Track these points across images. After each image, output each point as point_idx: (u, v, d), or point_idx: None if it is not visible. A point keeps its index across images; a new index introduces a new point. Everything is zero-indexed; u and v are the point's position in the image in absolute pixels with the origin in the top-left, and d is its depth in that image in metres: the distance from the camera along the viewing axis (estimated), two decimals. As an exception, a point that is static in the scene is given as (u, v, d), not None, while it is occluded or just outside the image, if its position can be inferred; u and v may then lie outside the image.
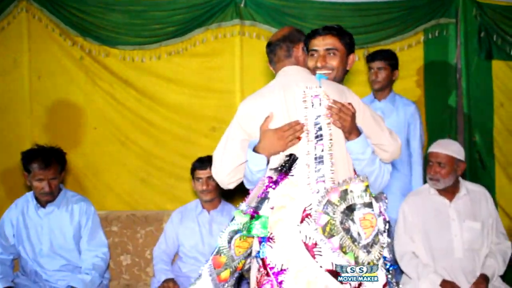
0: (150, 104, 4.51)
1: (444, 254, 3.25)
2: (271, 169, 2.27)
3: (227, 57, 4.50)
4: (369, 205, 2.14)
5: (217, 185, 3.46)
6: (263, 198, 2.23)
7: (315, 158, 2.22)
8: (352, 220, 2.12)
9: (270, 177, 2.25)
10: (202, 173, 3.56)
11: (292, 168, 2.23)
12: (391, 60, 3.79)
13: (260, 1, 4.45)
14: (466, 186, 3.36)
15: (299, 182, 2.20)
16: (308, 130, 2.26)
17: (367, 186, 2.16)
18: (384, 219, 2.20)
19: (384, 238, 2.20)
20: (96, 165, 4.54)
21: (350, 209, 2.13)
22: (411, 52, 4.44)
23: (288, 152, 2.27)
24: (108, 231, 3.79)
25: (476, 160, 4.41)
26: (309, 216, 2.15)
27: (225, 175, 2.37)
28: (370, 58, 3.81)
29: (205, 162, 3.57)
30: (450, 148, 3.31)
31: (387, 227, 2.22)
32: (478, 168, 4.42)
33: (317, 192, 2.17)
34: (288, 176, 2.22)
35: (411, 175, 3.71)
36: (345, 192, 2.14)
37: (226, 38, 4.48)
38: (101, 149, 4.53)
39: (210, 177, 3.51)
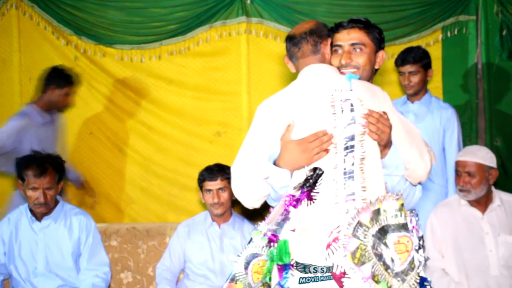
0: (150, 108, 4.28)
1: (478, 271, 2.98)
2: (294, 186, 1.99)
3: (232, 57, 4.27)
4: (404, 226, 1.86)
5: (230, 197, 3.25)
6: (283, 219, 1.95)
7: (344, 173, 1.93)
8: (385, 244, 1.84)
9: (292, 195, 1.97)
10: (212, 185, 3.26)
11: (316, 184, 1.94)
12: (423, 60, 3.51)
13: (267, -3, 4.22)
14: (500, 196, 3.11)
15: (325, 201, 1.92)
16: (336, 140, 1.96)
17: (402, 205, 1.88)
18: (418, 234, 1.94)
19: (421, 256, 1.93)
20: (91, 173, 4.26)
21: (383, 231, 1.85)
22: (429, 52, 4.17)
23: (312, 165, 1.98)
24: (107, 246, 3.47)
25: (498, 166, 4.16)
26: (336, 240, 1.87)
27: (249, 193, 2.07)
28: (400, 62, 3.52)
29: (214, 171, 3.27)
30: (479, 155, 3.06)
31: (421, 242, 1.95)
32: (500, 175, 4.17)
33: (346, 213, 1.88)
34: (312, 194, 1.94)
35: (447, 187, 3.45)
36: (377, 212, 1.86)
37: (232, 36, 4.26)
38: (97, 156, 4.28)
39: (221, 189, 3.23)
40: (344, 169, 1.93)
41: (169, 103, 4.26)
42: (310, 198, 1.93)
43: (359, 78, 2.10)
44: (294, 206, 1.94)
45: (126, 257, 3.55)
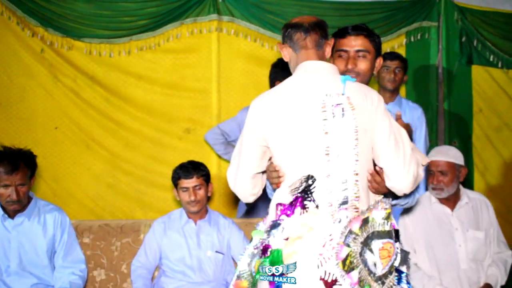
0: (118, 103, 4.18)
1: (449, 265, 3.14)
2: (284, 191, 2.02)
3: (203, 54, 4.25)
4: (389, 233, 1.93)
5: (206, 194, 3.26)
6: (274, 225, 1.97)
7: (337, 182, 1.94)
8: (370, 249, 1.90)
9: (281, 203, 1.99)
10: (188, 183, 3.23)
11: (309, 193, 1.95)
12: (405, 63, 3.70)
13: (238, -4, 4.24)
14: (467, 194, 3.28)
15: (319, 210, 1.93)
16: (328, 146, 1.95)
17: (389, 214, 1.95)
18: (394, 227, 2.00)
19: (396, 248, 2.00)
20: (57, 169, 4.13)
21: (370, 238, 1.91)
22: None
23: (305, 172, 1.98)
24: (79, 243, 3.39)
25: (456, 166, 4.39)
26: (329, 249, 1.89)
27: (241, 189, 2.15)
28: (391, 57, 3.63)
29: (190, 169, 3.25)
30: (451, 154, 3.21)
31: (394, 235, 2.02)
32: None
33: (339, 222, 1.91)
34: (305, 202, 1.94)
35: None
36: (366, 220, 1.92)
37: (202, 34, 4.24)
38: (62, 152, 4.14)
39: (197, 186, 3.23)
40: (337, 178, 1.94)
41: (138, 99, 4.19)
42: (303, 207, 1.94)
43: (356, 81, 2.10)
44: (288, 215, 1.95)
45: (99, 255, 3.49)
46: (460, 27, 4.40)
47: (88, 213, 4.12)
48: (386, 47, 4.33)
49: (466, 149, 4.44)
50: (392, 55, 3.69)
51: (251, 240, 2.13)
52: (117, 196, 4.19)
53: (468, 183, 4.41)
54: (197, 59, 4.25)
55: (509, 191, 4.64)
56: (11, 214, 3.04)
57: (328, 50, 2.16)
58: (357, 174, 1.95)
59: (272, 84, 3.82)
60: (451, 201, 3.23)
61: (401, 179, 2.01)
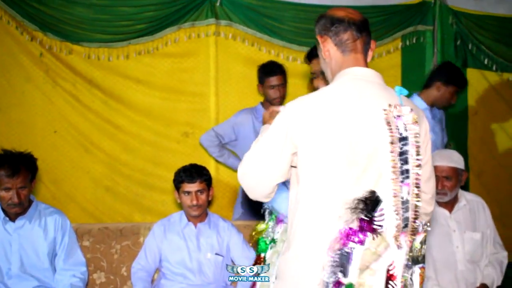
0: (117, 107, 4.20)
1: (446, 266, 3.18)
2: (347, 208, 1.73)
3: (201, 58, 4.28)
4: (424, 257, 1.87)
5: (207, 198, 3.28)
6: (343, 256, 1.68)
7: (402, 203, 1.75)
8: (411, 275, 1.82)
9: (351, 228, 1.70)
10: (190, 187, 3.24)
11: (377, 215, 1.71)
12: None
13: (236, 0, 4.25)
14: (465, 196, 3.32)
15: (387, 234, 1.73)
16: (395, 163, 1.75)
17: (426, 237, 1.87)
18: None
19: None
20: (56, 172, 4.15)
21: (411, 263, 1.82)
22: (389, 59, 4.43)
23: (366, 190, 1.72)
24: (79, 246, 3.41)
25: (452, 168, 4.42)
26: (393, 279, 1.74)
27: (262, 195, 1.90)
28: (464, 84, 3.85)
29: (193, 173, 3.25)
30: (454, 159, 3.24)
31: None
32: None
33: (401, 248, 1.77)
34: (375, 227, 1.70)
35: None
36: (412, 245, 1.84)
37: (200, 38, 4.26)
38: (61, 155, 4.16)
39: (199, 191, 3.24)
40: (402, 198, 1.76)
41: (136, 102, 4.21)
42: (373, 232, 1.70)
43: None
44: (359, 243, 1.68)
45: (99, 258, 3.50)
46: (455, 30, 4.45)
47: (87, 216, 4.14)
48: (382, 51, 4.39)
49: (462, 152, 4.45)
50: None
51: (254, 243, 2.13)
52: (115, 199, 4.21)
53: (464, 185, 4.45)
54: (195, 63, 4.27)
55: (503, 194, 4.69)
56: (12, 217, 3.06)
57: (370, 55, 1.94)
58: (417, 194, 1.79)
59: (260, 86, 3.90)
60: (449, 203, 3.27)
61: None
